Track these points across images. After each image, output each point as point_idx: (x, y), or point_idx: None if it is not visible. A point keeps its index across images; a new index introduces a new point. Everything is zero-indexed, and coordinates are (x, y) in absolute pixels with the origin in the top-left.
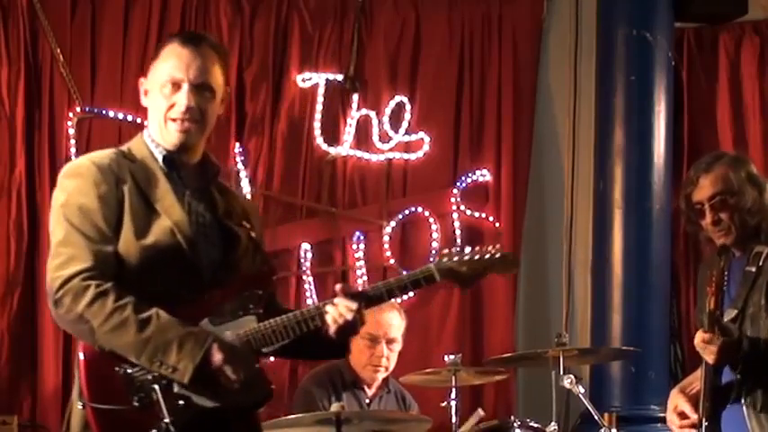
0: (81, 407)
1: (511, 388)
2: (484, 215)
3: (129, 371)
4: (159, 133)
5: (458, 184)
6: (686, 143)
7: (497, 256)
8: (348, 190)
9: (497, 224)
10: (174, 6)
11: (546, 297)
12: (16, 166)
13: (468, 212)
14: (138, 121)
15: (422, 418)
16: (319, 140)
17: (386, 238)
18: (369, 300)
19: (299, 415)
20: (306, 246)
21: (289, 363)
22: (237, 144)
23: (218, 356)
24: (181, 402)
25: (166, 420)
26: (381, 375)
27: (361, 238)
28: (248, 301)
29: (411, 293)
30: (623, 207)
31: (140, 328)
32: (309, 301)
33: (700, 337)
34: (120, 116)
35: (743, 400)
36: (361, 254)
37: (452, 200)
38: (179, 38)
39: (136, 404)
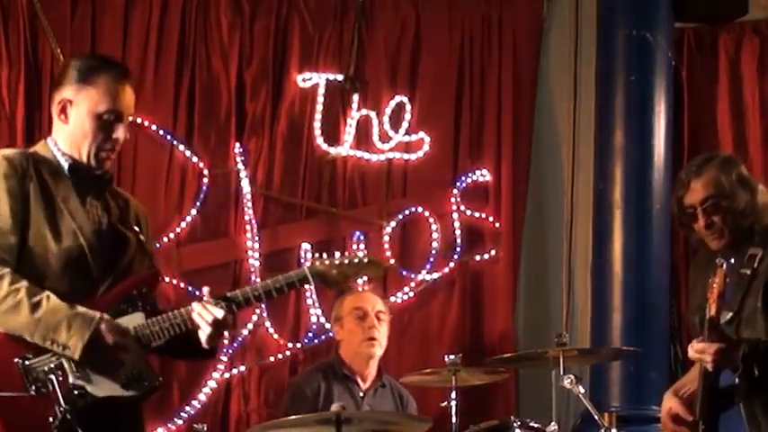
0: None
1: (511, 388)
2: (484, 215)
3: (28, 362)
4: (74, 149)
5: (458, 184)
6: (686, 143)
7: (365, 261)
8: (348, 190)
9: (497, 224)
10: (174, 7)
11: (546, 297)
12: None
13: (469, 213)
14: (139, 121)
15: (422, 419)
16: (319, 140)
17: (386, 239)
18: (238, 302)
19: (300, 415)
20: (306, 246)
21: (288, 363)
22: (238, 144)
23: (108, 336)
24: (76, 392)
25: (62, 408)
26: (378, 351)
27: (362, 238)
28: (137, 300)
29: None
30: (623, 207)
31: (32, 310)
32: (309, 302)
33: (693, 348)
34: None
35: (742, 403)
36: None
37: (452, 200)
38: (116, 69)
39: (33, 393)
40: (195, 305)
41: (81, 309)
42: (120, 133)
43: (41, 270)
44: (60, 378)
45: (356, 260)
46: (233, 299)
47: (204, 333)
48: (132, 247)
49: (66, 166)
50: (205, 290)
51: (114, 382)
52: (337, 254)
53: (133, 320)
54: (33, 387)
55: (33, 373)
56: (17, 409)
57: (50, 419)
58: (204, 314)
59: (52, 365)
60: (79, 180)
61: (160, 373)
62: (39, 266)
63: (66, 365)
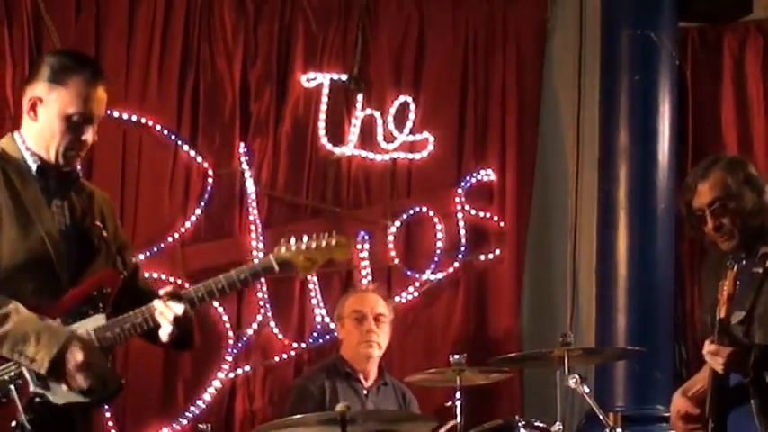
0: None
1: (516, 388)
2: (488, 215)
3: None
4: (42, 147)
5: (462, 183)
6: (690, 143)
7: (333, 243)
8: (352, 190)
9: (502, 224)
10: (178, 7)
11: (551, 297)
12: None
13: (473, 212)
14: (143, 121)
15: (427, 418)
16: (324, 140)
17: (390, 238)
18: (201, 297)
19: (305, 415)
20: None
21: (293, 363)
22: (242, 144)
23: (78, 357)
24: (36, 399)
25: (22, 417)
26: (375, 352)
27: (366, 237)
28: (97, 300)
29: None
30: (627, 207)
31: (0, 322)
32: (314, 301)
33: (707, 348)
34: (125, 116)
35: (752, 402)
36: (365, 254)
37: (457, 200)
38: (88, 71)
39: None
40: (156, 302)
41: (50, 322)
42: (88, 135)
43: (6, 274)
44: (21, 386)
45: (323, 243)
46: (193, 295)
47: (165, 330)
48: (97, 247)
49: (33, 167)
50: (162, 290)
51: (75, 389)
52: (304, 238)
53: (93, 322)
54: None
55: None
56: None
57: (12, 425)
58: (165, 311)
59: (12, 374)
60: (46, 181)
61: (165, 372)
62: (3, 271)
63: (26, 373)
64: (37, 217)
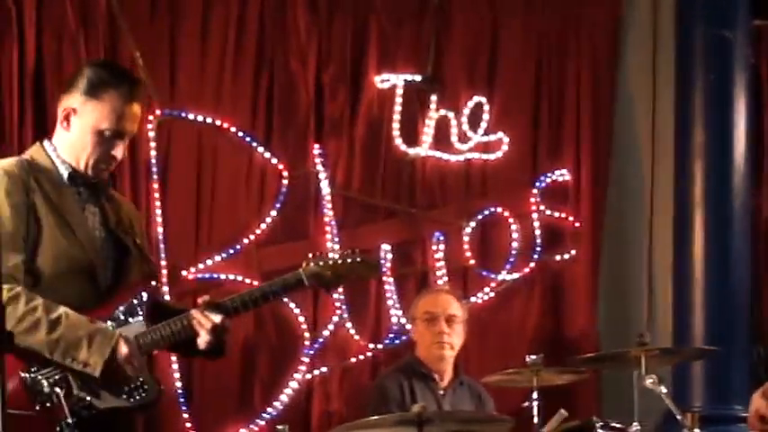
0: None
1: (593, 388)
2: (563, 215)
3: (32, 376)
4: (73, 157)
5: (537, 183)
6: (766, 141)
7: (358, 260)
8: (427, 191)
9: (577, 224)
10: (252, 8)
11: (627, 297)
12: None
13: (548, 212)
14: (218, 123)
15: (503, 419)
16: (398, 141)
17: (465, 239)
18: (236, 308)
19: (382, 416)
20: (385, 247)
21: (369, 364)
22: (317, 145)
23: (124, 350)
24: (81, 404)
25: (68, 420)
26: (448, 353)
27: (441, 238)
28: (137, 306)
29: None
30: (703, 206)
31: (51, 328)
32: (390, 302)
33: None
34: (200, 118)
35: None
36: (441, 254)
37: (532, 200)
38: (125, 87)
39: (38, 407)
40: (194, 312)
41: (100, 324)
42: (118, 151)
43: (50, 282)
44: (65, 391)
45: (349, 260)
46: (229, 305)
47: (203, 339)
48: (132, 253)
49: (65, 174)
50: (201, 300)
51: (118, 393)
52: (331, 254)
53: (134, 329)
54: (38, 400)
55: (38, 386)
56: (21, 424)
57: (57, 429)
58: (203, 321)
59: (57, 377)
60: (78, 188)
61: (242, 373)
62: (47, 280)
63: (70, 378)
64: (75, 223)
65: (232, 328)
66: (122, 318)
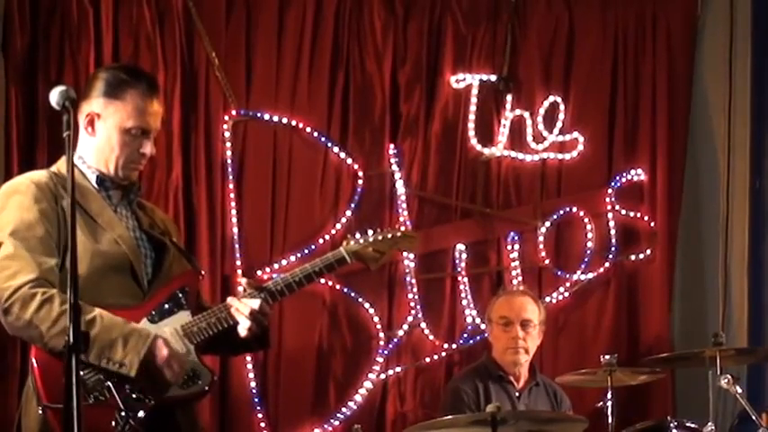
0: (41, 411)
1: (667, 388)
2: (639, 215)
3: (81, 372)
4: (101, 162)
5: (612, 183)
6: None
7: (398, 234)
8: (502, 190)
9: (652, 224)
10: (328, 9)
11: (702, 296)
12: (173, 168)
13: (623, 212)
14: (293, 123)
15: (578, 419)
16: (473, 141)
17: (540, 239)
18: (280, 290)
19: (455, 416)
20: (460, 246)
21: (444, 364)
22: (392, 145)
23: (164, 352)
24: (133, 396)
25: (123, 413)
26: (523, 358)
27: (516, 238)
28: (181, 299)
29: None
30: None
31: (86, 329)
32: (465, 302)
33: None
34: (275, 119)
35: None
36: (515, 254)
37: (607, 199)
38: (143, 84)
39: (91, 402)
40: (231, 300)
41: (135, 325)
42: (147, 148)
43: (87, 281)
44: (117, 384)
45: (389, 235)
46: (272, 287)
47: (243, 326)
48: (169, 248)
49: (93, 179)
50: (243, 281)
51: (168, 385)
52: (370, 231)
53: (180, 319)
54: (91, 396)
55: (89, 383)
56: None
57: (113, 424)
58: (241, 307)
59: (93, 380)
60: (107, 192)
61: (317, 373)
62: (84, 279)
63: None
64: (105, 223)
65: (306, 329)
66: (168, 309)
